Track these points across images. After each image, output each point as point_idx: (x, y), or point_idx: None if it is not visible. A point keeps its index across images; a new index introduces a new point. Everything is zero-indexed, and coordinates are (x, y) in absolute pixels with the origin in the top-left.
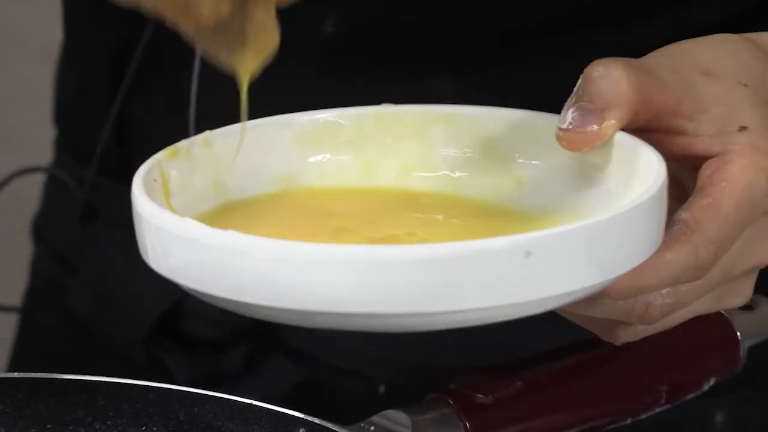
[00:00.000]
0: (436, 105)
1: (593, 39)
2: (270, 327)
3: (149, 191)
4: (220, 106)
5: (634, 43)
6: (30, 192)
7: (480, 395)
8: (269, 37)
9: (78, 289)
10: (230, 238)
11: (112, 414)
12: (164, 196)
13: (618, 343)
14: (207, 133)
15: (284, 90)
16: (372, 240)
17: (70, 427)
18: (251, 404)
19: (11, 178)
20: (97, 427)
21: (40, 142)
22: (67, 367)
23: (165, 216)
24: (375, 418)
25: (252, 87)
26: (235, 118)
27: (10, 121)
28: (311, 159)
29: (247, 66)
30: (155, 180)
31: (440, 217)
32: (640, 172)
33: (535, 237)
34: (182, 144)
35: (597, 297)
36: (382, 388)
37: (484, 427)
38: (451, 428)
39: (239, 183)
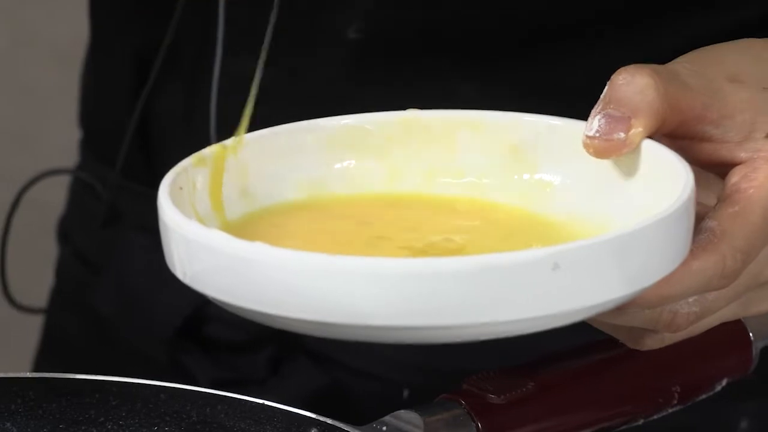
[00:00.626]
0: (463, 111)
1: (614, 41)
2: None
3: (175, 200)
4: (241, 109)
5: (654, 45)
6: (55, 194)
7: (492, 396)
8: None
9: (103, 290)
10: (260, 250)
11: (124, 414)
12: (191, 205)
13: (644, 350)
14: (232, 140)
15: (310, 96)
16: (412, 248)
17: (83, 427)
18: (263, 404)
19: (36, 180)
20: (110, 427)
21: (64, 144)
22: (90, 368)
23: (193, 227)
24: (387, 419)
25: (277, 94)
26: (254, 121)
27: (35, 124)
28: (337, 165)
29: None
30: (181, 188)
31: (473, 223)
32: (668, 181)
33: (562, 250)
34: (207, 151)
35: (624, 306)
36: (405, 392)
37: (496, 427)
38: (463, 429)
39: (265, 189)
